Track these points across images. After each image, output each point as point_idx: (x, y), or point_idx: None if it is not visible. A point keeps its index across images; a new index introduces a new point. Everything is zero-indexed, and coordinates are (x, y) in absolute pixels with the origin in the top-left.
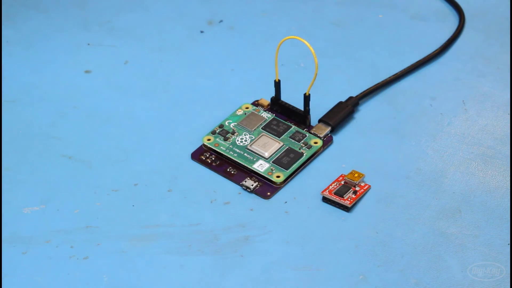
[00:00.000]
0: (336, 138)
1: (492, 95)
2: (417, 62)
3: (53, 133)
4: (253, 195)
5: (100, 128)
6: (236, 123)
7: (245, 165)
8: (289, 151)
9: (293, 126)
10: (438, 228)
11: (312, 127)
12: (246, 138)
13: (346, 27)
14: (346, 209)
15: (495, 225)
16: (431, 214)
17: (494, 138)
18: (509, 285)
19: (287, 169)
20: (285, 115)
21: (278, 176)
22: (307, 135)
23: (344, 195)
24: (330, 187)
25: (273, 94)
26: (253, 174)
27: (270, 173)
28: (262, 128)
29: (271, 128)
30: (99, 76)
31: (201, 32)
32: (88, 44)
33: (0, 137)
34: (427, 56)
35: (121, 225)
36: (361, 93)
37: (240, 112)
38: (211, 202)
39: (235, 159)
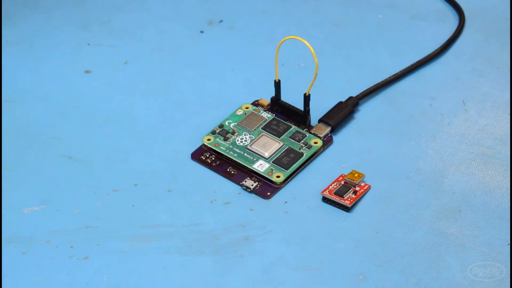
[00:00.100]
0: (336, 138)
1: (492, 95)
2: (417, 62)
3: (53, 133)
4: (253, 195)
5: (100, 128)
6: (236, 123)
7: (245, 165)
8: (289, 151)
9: (293, 126)
10: (438, 228)
11: (312, 127)
12: (246, 138)
13: (346, 27)
14: (346, 209)
15: (495, 225)
16: (431, 214)
17: (494, 138)
18: (509, 285)
19: (287, 169)
20: (285, 115)
21: (278, 176)
22: (307, 135)
23: (344, 195)
24: (330, 187)
25: (273, 94)
26: (253, 174)
27: (270, 173)
28: (262, 128)
29: (271, 128)
30: (99, 76)
31: (201, 32)
32: (88, 44)
33: (0, 137)
34: (427, 56)
35: (121, 225)
36: (361, 93)
37: (240, 112)
38: (211, 202)
39: (235, 159)
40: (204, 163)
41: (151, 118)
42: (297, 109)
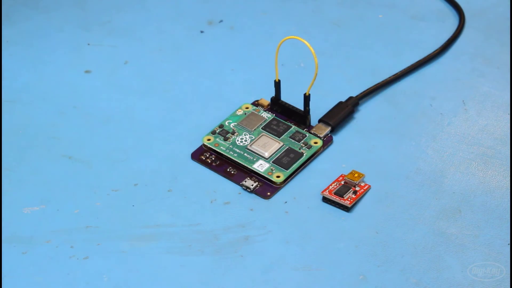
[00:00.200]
0: (336, 138)
1: (492, 95)
2: (417, 62)
3: (53, 133)
4: (253, 195)
5: (100, 128)
6: (236, 123)
7: (245, 165)
8: (289, 151)
9: (293, 126)
10: (438, 228)
11: (312, 127)
12: (246, 138)
13: (346, 27)
14: (346, 209)
15: (495, 225)
16: (431, 214)
17: (494, 138)
18: (509, 285)
19: (287, 169)
20: (285, 115)
21: (278, 176)
22: (307, 135)
23: (344, 195)
24: (330, 187)
25: (273, 94)
26: (253, 174)
27: (270, 173)
28: (262, 128)
29: (271, 128)
30: (99, 76)
31: (201, 32)
32: (88, 44)
33: (0, 137)
34: (427, 56)
35: (121, 225)
36: (361, 93)
37: (240, 112)
38: (211, 202)
39: (235, 159)
40: (204, 163)
41: (151, 118)
42: (297, 109)
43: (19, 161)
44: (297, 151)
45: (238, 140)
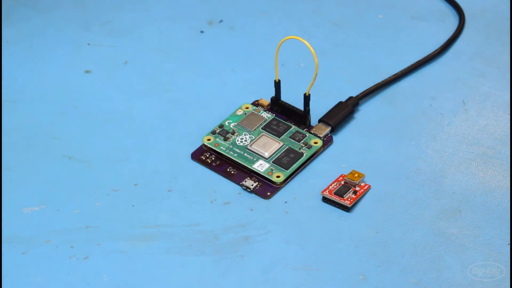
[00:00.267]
0: (336, 138)
1: (492, 95)
2: (417, 62)
3: (53, 133)
4: (253, 195)
5: (100, 128)
6: (236, 123)
7: (245, 165)
8: (289, 151)
9: (293, 126)
10: (438, 228)
11: (312, 127)
12: (246, 138)
13: (346, 27)
14: (346, 209)
15: (495, 225)
16: (431, 214)
17: (494, 138)
18: (509, 285)
19: (287, 169)
20: (285, 115)
21: (278, 176)
22: (307, 135)
23: (344, 195)
24: (330, 187)
25: (273, 94)
26: (253, 174)
27: (270, 173)
28: (262, 128)
29: (271, 128)
30: (99, 76)
31: (201, 32)
32: (88, 44)
33: (0, 137)
34: (427, 56)
35: (121, 225)
36: (361, 93)
37: (240, 112)
38: (211, 202)
39: (235, 159)
40: (204, 163)
41: (151, 118)
42: (297, 109)
43: (19, 161)
44: (297, 151)
45: (238, 140)
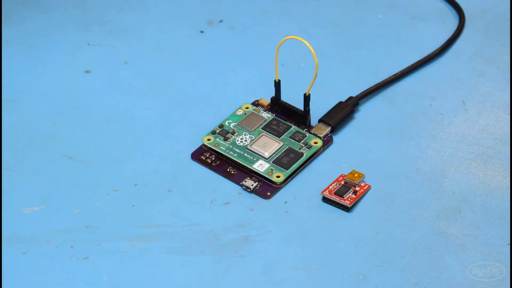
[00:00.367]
0: (336, 138)
1: (492, 95)
2: (417, 62)
3: (53, 133)
4: (253, 195)
5: (100, 128)
6: (236, 123)
7: (245, 165)
8: (289, 151)
9: (293, 126)
10: (438, 228)
11: (312, 127)
12: (246, 138)
13: (346, 27)
14: (346, 209)
15: (495, 225)
16: (431, 214)
17: (494, 138)
18: (509, 285)
19: (287, 169)
20: (285, 115)
21: (278, 176)
22: (307, 135)
23: (344, 195)
24: (330, 187)
25: (273, 94)
26: (253, 174)
27: (270, 173)
28: (262, 128)
29: (271, 128)
30: (99, 76)
31: (201, 32)
32: (88, 44)
33: (0, 137)
34: (427, 56)
35: (121, 225)
36: (361, 93)
37: (240, 112)
38: (211, 202)
39: (235, 159)
40: (204, 163)
41: (151, 118)
42: (297, 109)
43: (19, 161)
44: (297, 151)
45: (238, 140)
